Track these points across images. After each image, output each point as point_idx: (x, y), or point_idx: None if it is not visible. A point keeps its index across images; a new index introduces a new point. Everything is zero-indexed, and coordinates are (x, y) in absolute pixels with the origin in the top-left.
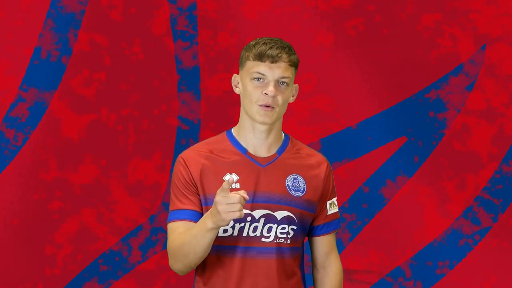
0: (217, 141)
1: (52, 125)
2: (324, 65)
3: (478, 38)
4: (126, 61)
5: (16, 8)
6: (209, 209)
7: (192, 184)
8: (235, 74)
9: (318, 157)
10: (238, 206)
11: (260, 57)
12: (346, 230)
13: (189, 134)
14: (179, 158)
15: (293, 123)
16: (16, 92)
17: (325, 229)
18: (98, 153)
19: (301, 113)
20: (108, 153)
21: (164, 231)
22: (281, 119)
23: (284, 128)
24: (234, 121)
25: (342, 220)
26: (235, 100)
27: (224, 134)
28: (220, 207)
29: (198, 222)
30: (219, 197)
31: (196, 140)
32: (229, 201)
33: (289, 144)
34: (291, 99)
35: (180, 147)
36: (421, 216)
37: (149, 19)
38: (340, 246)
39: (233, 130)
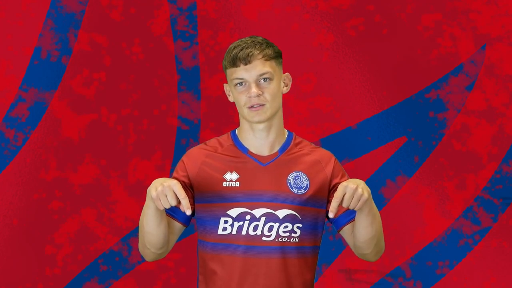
0: (223, 139)
1: (52, 125)
2: (324, 65)
3: (478, 38)
4: (126, 61)
5: (16, 8)
6: (203, 206)
7: (185, 187)
8: (225, 84)
9: (321, 153)
10: (166, 189)
11: (234, 63)
12: None
13: (189, 134)
14: (184, 156)
15: (293, 123)
16: (16, 92)
17: (351, 216)
18: (98, 153)
19: (301, 113)
20: (108, 153)
21: None
22: (281, 116)
23: (285, 128)
24: (234, 121)
25: None
26: None
27: (229, 134)
28: (158, 181)
29: None
30: (168, 179)
31: (196, 140)
32: (167, 182)
33: (291, 142)
34: (285, 90)
35: (180, 147)
36: (421, 216)
37: (149, 19)
38: (340, 246)
39: (236, 130)
